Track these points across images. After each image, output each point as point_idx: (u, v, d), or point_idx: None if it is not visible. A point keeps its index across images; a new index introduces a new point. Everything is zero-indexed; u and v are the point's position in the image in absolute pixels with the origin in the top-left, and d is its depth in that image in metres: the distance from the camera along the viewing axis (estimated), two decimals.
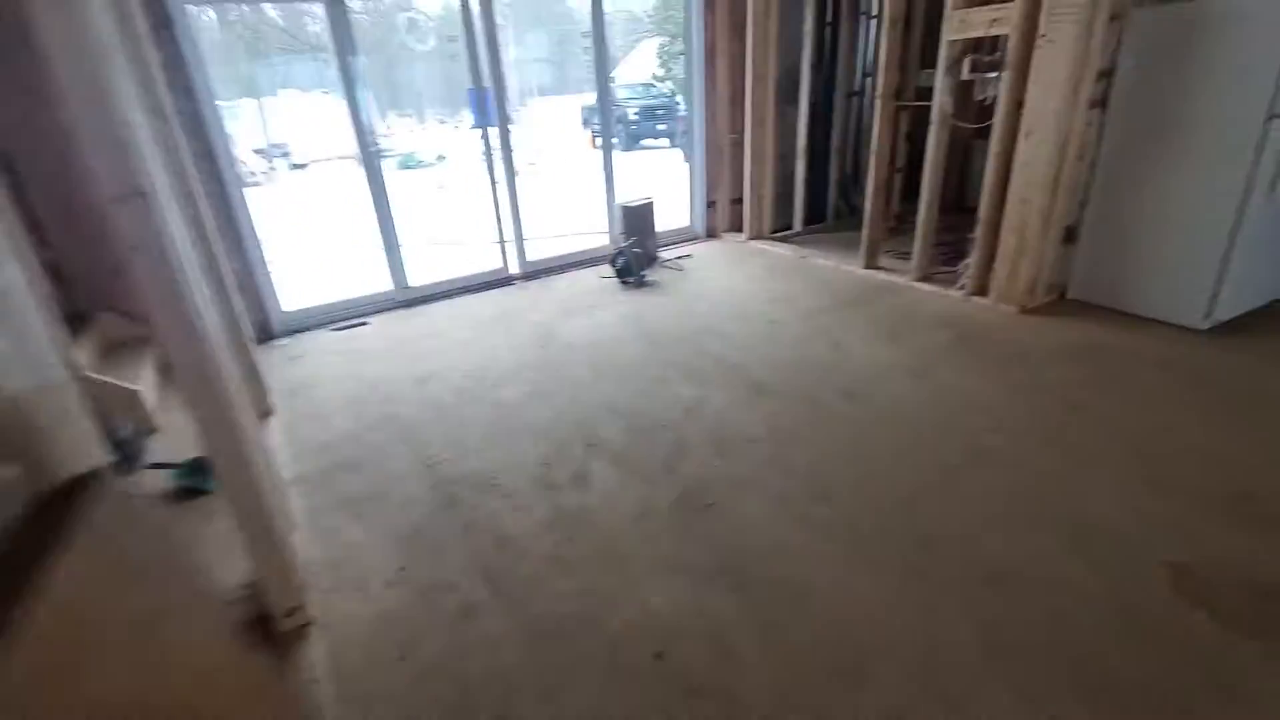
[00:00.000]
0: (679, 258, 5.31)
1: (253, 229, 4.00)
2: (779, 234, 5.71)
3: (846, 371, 3.24)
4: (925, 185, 4.11)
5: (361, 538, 2.26)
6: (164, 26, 3.38)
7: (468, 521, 2.29)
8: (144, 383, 3.17)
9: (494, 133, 4.69)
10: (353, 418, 3.09)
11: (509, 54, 29.82)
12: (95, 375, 2.90)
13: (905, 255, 4.81)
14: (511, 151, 4.79)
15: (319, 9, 3.87)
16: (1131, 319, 3.61)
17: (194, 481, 2.50)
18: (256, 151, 17.21)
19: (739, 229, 5.79)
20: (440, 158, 15.11)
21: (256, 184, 15.49)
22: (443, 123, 25.67)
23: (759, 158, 5.42)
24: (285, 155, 18.23)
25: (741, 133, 5.45)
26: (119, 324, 3.62)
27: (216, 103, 3.72)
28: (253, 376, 3.02)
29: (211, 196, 3.74)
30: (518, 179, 4.87)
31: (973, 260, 4.01)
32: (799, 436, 2.69)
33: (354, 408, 3.18)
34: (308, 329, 4.25)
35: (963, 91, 4.00)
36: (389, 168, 15.22)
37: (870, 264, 4.66)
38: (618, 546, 2.13)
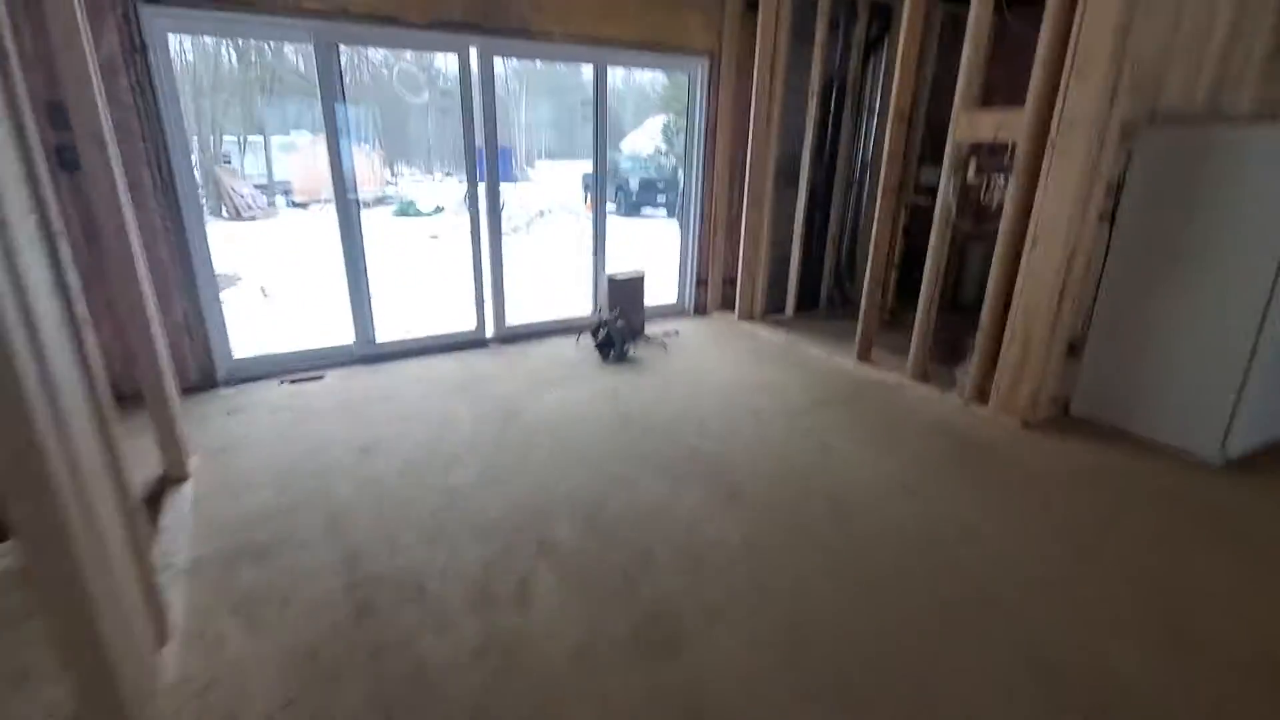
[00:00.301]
0: (665, 334, 5.08)
1: (209, 267, 3.72)
2: (770, 317, 5.53)
3: (834, 480, 2.94)
4: (925, 285, 3.94)
5: (249, 652, 1.86)
6: (137, 51, 3.19)
7: (379, 642, 1.91)
8: None
9: (483, 190, 4.52)
10: (277, 490, 2.72)
11: (521, 117, 30.79)
12: None
13: (899, 351, 4.61)
14: (500, 211, 4.62)
15: (342, 56, 3.72)
16: (1138, 443, 3.37)
17: None
18: (259, 186, 17.26)
19: (730, 308, 5.60)
20: (438, 208, 15.14)
21: (253, 217, 15.44)
22: (448, 175, 26.18)
23: (754, 239, 5.29)
24: (287, 193, 18.29)
25: (738, 212, 5.34)
26: None
27: (185, 131, 3.51)
28: (168, 436, 2.66)
29: (168, 230, 3.48)
30: (506, 239, 4.68)
31: (972, 366, 3.80)
32: (779, 556, 2.36)
33: (281, 479, 2.82)
34: (257, 379, 3.91)
35: (966, 192, 3.89)
36: (385, 214, 15.24)
37: (863, 358, 4.44)
38: (557, 691, 1.76)
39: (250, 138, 19.17)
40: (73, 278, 1.54)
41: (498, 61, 4.31)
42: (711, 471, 2.97)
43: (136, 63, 3.21)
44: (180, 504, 2.55)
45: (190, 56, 17.97)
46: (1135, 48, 3.04)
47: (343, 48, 3.92)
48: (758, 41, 4.84)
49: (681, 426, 3.44)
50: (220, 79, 18.72)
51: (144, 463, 2.74)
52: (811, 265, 5.67)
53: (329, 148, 3.85)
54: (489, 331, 4.80)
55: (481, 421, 3.43)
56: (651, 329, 5.15)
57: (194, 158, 16.20)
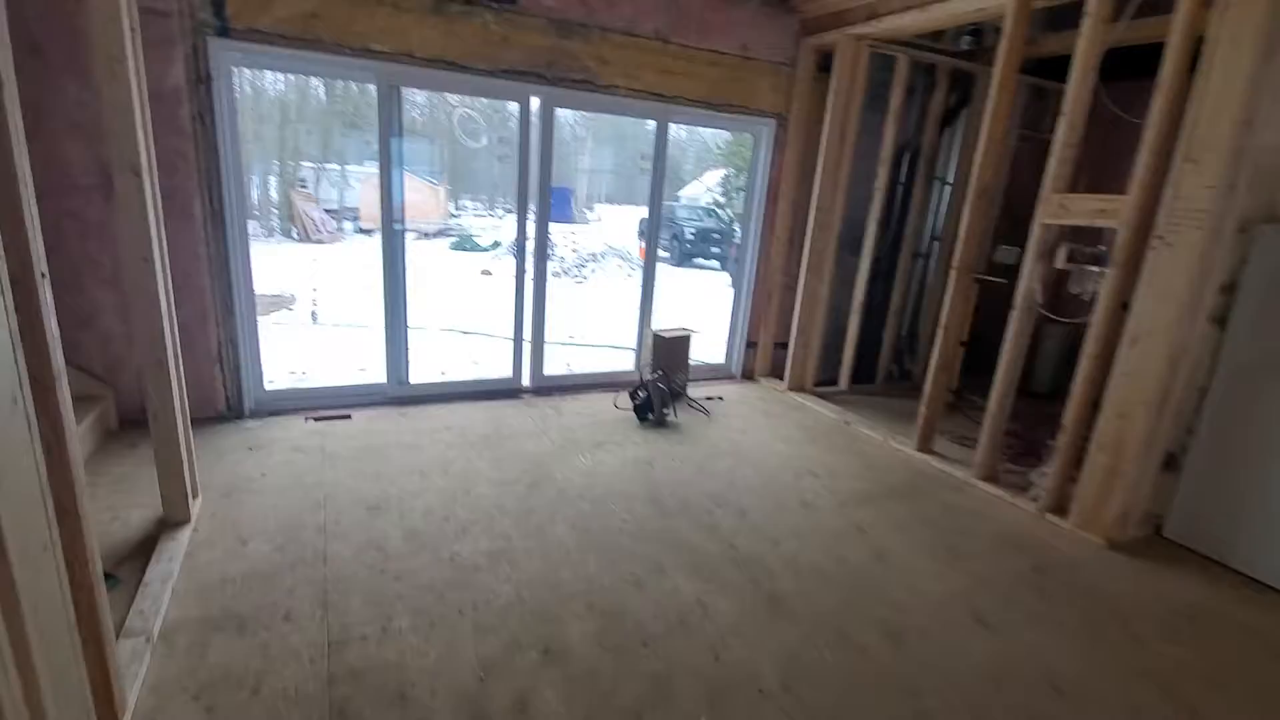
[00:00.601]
0: (708, 398, 4.80)
1: (250, 297, 3.66)
2: (822, 388, 5.19)
3: (891, 595, 2.57)
4: (1000, 378, 3.57)
5: None
6: (202, 82, 3.21)
7: None
8: None
9: (532, 232, 4.40)
10: (275, 546, 2.53)
11: (584, 161, 31.60)
12: None
13: (965, 441, 4.21)
14: (548, 257, 4.50)
15: (415, 95, 3.71)
16: (1244, 580, 2.88)
17: None
18: (329, 211, 18.01)
19: (779, 375, 5.29)
20: (495, 244, 15.39)
21: (321, 240, 16.07)
22: (509, 212, 26.88)
23: (811, 305, 5.01)
24: (355, 219, 19.03)
25: (795, 276, 5.08)
26: (72, 377, 3.21)
27: (242, 160, 3.49)
28: (172, 477, 2.51)
29: (210, 259, 3.44)
30: (554, 282, 4.53)
31: (1051, 470, 3.38)
32: (822, 695, 2.01)
33: (283, 532, 2.62)
34: (284, 413, 3.80)
35: (1053, 280, 3.54)
36: (442, 247, 15.57)
37: (924, 447, 4.05)
38: None
39: (328, 165, 20.11)
40: (51, 324, 1.39)
41: (566, 110, 4.24)
42: (750, 572, 2.64)
43: (200, 93, 3.22)
44: (172, 553, 2.37)
45: (282, 86, 19.11)
46: (1259, 138, 2.70)
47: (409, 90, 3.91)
48: (829, 105, 4.66)
49: (719, 512, 3.12)
50: (306, 110, 19.81)
51: (148, 501, 2.60)
52: (870, 337, 5.33)
53: (381, 181, 3.81)
54: (525, 380, 4.61)
55: (503, 485, 3.19)
56: (694, 391, 4.87)
57: (273, 181, 16.99)
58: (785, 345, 5.23)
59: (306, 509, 2.81)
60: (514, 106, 4.10)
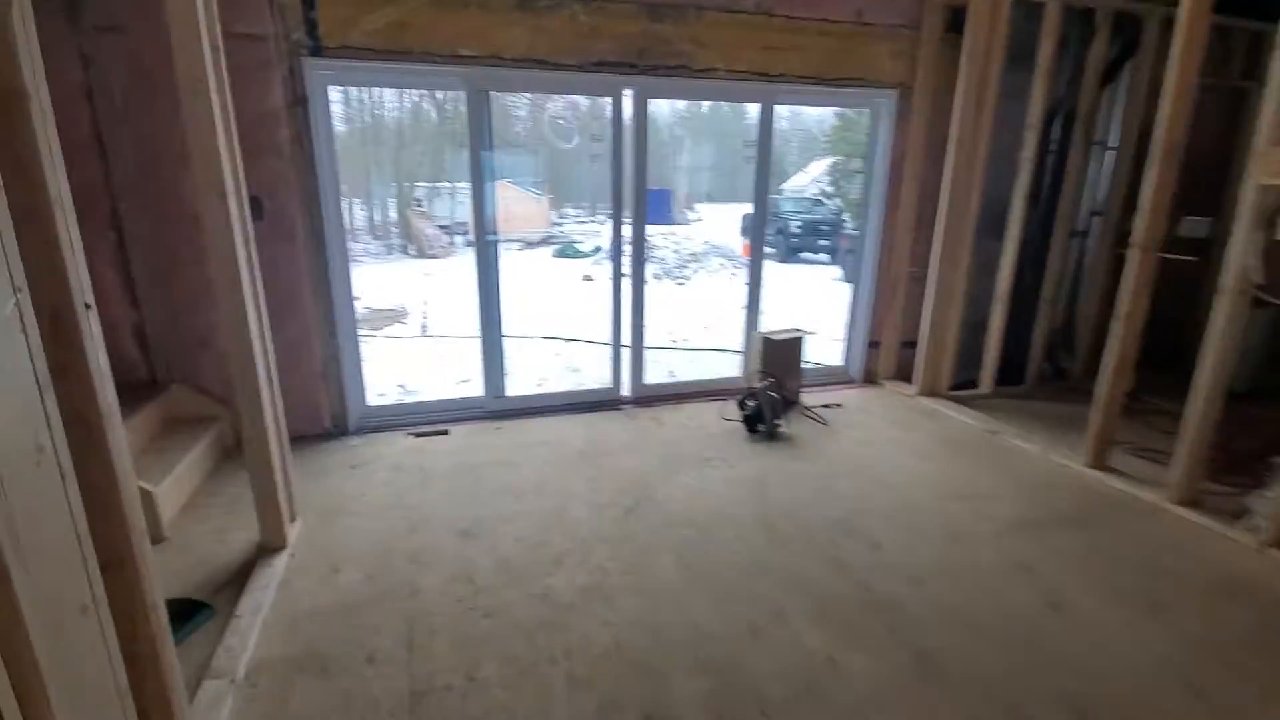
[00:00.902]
0: (825, 406, 4.32)
1: (351, 314, 3.68)
2: (960, 391, 4.55)
3: (1075, 659, 2.05)
4: (1206, 374, 2.86)
5: None
6: (298, 103, 3.22)
7: None
8: (171, 479, 2.76)
9: (629, 235, 4.15)
10: (367, 575, 2.41)
11: (683, 159, 31.32)
12: None
13: (1148, 454, 3.47)
14: (645, 260, 4.23)
15: (518, 110, 3.62)
16: None
17: None
18: (441, 227, 18.98)
19: (907, 379, 4.70)
20: (596, 249, 15.44)
21: (434, 255, 16.94)
22: (609, 217, 27.06)
23: (945, 298, 4.40)
24: (466, 233, 19.95)
25: (924, 266, 4.49)
26: (191, 398, 3.34)
27: (338, 179, 3.49)
28: (268, 501, 2.47)
29: (313, 278, 3.47)
30: (653, 285, 4.26)
31: (1276, 494, 2.65)
32: None
33: (376, 560, 2.51)
34: (386, 429, 3.79)
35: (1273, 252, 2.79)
36: (546, 255, 15.85)
37: (1098, 462, 3.37)
38: None
39: (440, 184, 21.22)
40: (98, 359, 1.27)
41: (662, 106, 3.97)
42: (889, 621, 2.21)
43: (297, 115, 3.24)
44: (267, 581, 2.31)
45: (398, 112, 20.40)
46: None
47: (514, 98, 3.79)
48: (962, 69, 4.04)
49: (847, 542, 2.70)
50: (420, 132, 21.00)
51: (254, 524, 2.58)
52: (1017, 332, 4.61)
53: (473, 192, 3.71)
54: (624, 389, 4.37)
55: (600, 508, 2.94)
56: (809, 398, 4.42)
57: (392, 202, 18.16)
58: (914, 344, 4.63)
59: (399, 533, 2.70)
60: (606, 102, 3.87)
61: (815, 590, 2.38)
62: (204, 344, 3.39)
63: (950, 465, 3.47)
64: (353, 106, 19.59)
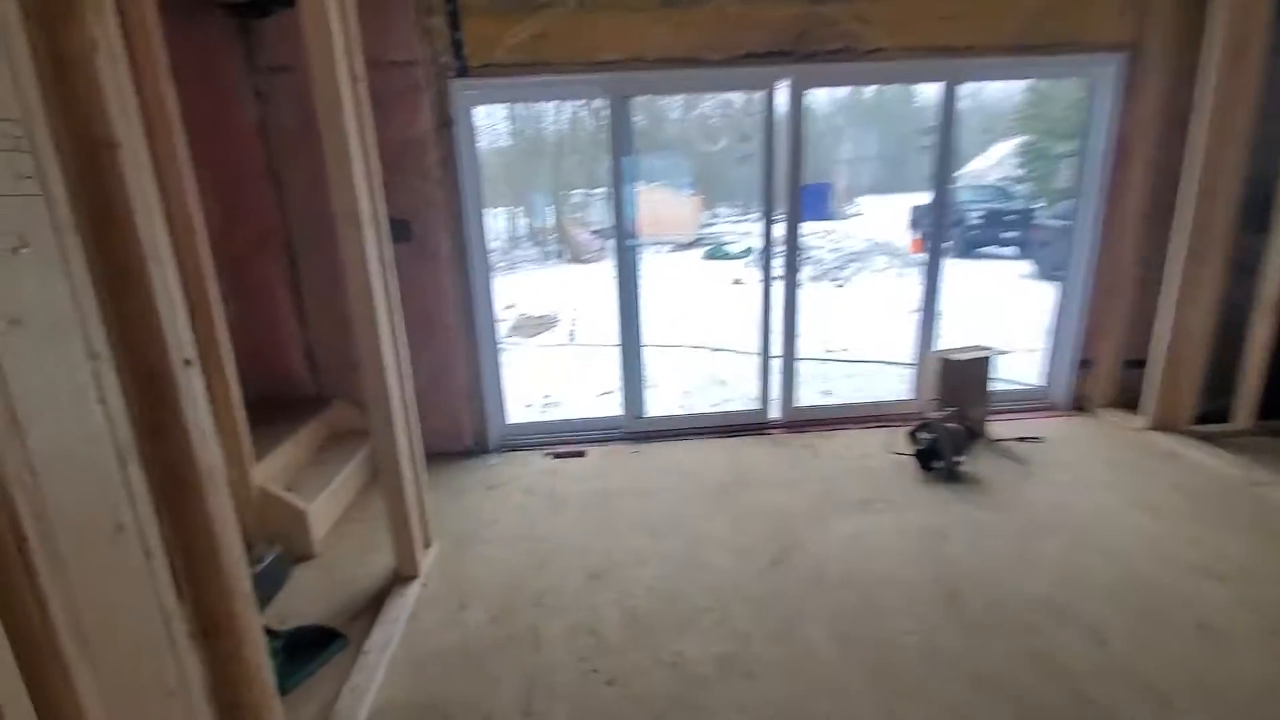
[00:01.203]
0: (1021, 439, 3.61)
1: (492, 332, 3.68)
2: (1207, 425, 3.58)
3: None
4: None
5: None
6: (445, 125, 3.24)
7: None
8: (325, 496, 2.87)
9: (781, 236, 3.76)
10: (491, 617, 2.30)
11: (842, 151, 29.57)
12: (271, 488, 2.63)
13: None
14: (800, 260, 3.80)
15: (670, 112, 3.45)
16: None
17: (278, 666, 1.91)
18: (595, 232, 19.59)
19: (1132, 407, 3.79)
20: (747, 250, 14.94)
21: (588, 260, 17.48)
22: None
23: (1189, 305, 3.47)
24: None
25: (1159, 267, 3.58)
26: (350, 414, 3.52)
27: (481, 199, 3.50)
28: (401, 528, 2.45)
29: (457, 291, 3.50)
30: (808, 289, 3.84)
31: None
32: None
33: (503, 597, 2.40)
34: (524, 448, 3.75)
35: None
36: (696, 258, 15.62)
37: None
38: None
39: (594, 191, 21.98)
40: (197, 416, 1.20)
41: (819, 95, 3.54)
42: None
43: (444, 137, 3.27)
44: (397, 613, 2.28)
45: (558, 124, 21.38)
46: None
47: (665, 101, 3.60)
48: (1214, 20, 3.14)
49: (1058, 629, 2.12)
50: (577, 142, 21.84)
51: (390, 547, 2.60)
52: None
53: (614, 196, 3.56)
54: (772, 411, 3.97)
55: (742, 555, 2.61)
56: (999, 428, 3.72)
57: (549, 210, 19.12)
58: (1141, 363, 3.73)
59: (529, 569, 2.57)
60: (758, 97, 3.51)
61: (1017, 697, 1.86)
62: (357, 364, 3.56)
63: (1194, 526, 2.67)
64: (517, 122, 20.88)
